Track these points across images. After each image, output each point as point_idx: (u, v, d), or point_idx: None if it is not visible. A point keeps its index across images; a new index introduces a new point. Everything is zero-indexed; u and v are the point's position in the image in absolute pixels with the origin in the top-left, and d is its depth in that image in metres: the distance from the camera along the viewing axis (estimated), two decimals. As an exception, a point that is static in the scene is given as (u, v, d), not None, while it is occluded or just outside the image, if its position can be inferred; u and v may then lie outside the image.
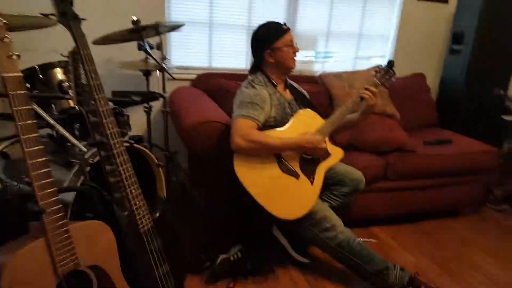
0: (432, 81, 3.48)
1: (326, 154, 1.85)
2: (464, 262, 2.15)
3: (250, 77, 1.88)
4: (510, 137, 3.28)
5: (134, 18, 1.98)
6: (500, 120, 3.26)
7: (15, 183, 1.48)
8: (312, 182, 1.77)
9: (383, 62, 1.99)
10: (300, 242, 2.00)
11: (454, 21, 3.20)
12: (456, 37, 3.19)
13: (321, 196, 1.98)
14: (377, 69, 1.97)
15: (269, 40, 1.82)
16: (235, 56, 2.89)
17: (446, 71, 3.32)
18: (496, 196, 2.89)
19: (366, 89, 1.87)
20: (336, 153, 1.89)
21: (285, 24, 1.85)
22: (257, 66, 1.91)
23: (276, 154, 1.73)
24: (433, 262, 2.12)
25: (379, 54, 3.35)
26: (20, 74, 1.03)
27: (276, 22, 1.87)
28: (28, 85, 1.70)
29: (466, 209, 2.76)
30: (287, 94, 1.95)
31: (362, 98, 1.87)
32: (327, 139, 1.87)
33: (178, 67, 2.77)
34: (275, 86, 1.87)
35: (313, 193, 1.75)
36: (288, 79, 2.00)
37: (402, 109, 2.85)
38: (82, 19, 1.27)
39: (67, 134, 1.46)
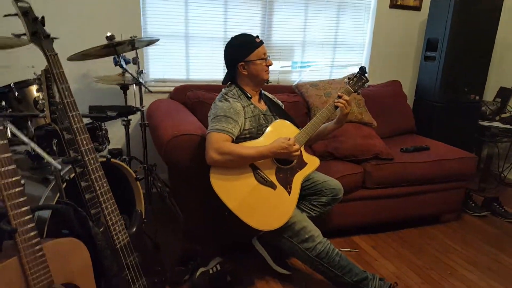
0: (408, 88, 3.57)
1: (302, 163, 1.88)
2: (444, 270, 2.16)
3: (224, 90, 1.91)
4: (488, 142, 3.36)
5: (109, 34, 2.00)
6: (477, 125, 3.35)
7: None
8: (289, 192, 1.79)
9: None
10: (280, 253, 2.02)
11: (427, 28, 3.29)
12: (430, 44, 3.27)
13: (299, 207, 2.01)
14: (350, 76, 2.02)
15: (243, 53, 1.84)
16: (212, 67, 2.94)
17: (422, 78, 3.40)
18: (476, 203, 2.91)
19: (340, 97, 1.91)
20: (313, 162, 1.92)
21: (257, 36, 1.88)
22: (231, 78, 1.93)
23: (252, 166, 1.75)
24: (413, 270, 2.13)
25: (355, 62, 3.43)
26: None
27: (249, 34, 1.89)
28: (3, 103, 1.71)
29: (447, 216, 2.77)
30: (262, 106, 1.98)
31: (336, 107, 1.92)
32: (302, 148, 1.90)
33: (156, 80, 2.80)
34: (249, 98, 1.90)
35: (290, 203, 1.78)
36: (262, 90, 2.03)
37: (378, 117, 2.90)
38: (54, 38, 1.28)
39: (41, 152, 1.45)
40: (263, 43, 1.88)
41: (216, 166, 1.69)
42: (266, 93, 2.10)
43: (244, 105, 1.86)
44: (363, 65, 3.41)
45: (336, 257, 1.76)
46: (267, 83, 1.97)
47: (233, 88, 1.90)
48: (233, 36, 1.90)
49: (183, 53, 2.84)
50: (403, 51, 3.53)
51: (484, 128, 3.35)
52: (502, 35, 3.49)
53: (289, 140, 1.75)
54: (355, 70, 3.36)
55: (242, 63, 1.85)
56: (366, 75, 2.01)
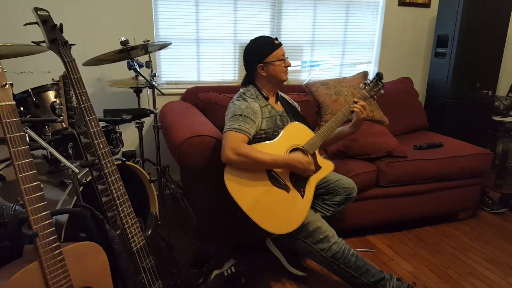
0: (419, 85, 3.53)
1: (317, 167, 1.87)
2: (463, 269, 2.13)
3: (242, 90, 1.92)
4: (502, 137, 3.31)
5: (123, 38, 2.02)
6: (491, 121, 3.30)
7: (11, 205, 1.50)
8: (302, 196, 1.78)
9: (369, 68, 2.02)
10: (295, 254, 2.01)
11: (437, 24, 3.25)
12: (440, 40, 3.24)
13: (313, 206, 2.00)
14: (366, 81, 2.01)
15: (262, 54, 1.86)
16: (223, 69, 2.95)
17: (433, 74, 3.36)
18: (493, 199, 2.86)
19: (356, 102, 1.90)
20: (327, 166, 1.90)
21: (276, 39, 1.89)
22: (249, 79, 1.94)
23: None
24: (431, 270, 2.11)
25: (364, 60, 3.41)
26: (13, 102, 1.05)
27: (268, 36, 1.91)
28: (22, 108, 1.74)
29: (463, 214, 2.73)
30: (279, 107, 1.98)
31: (352, 112, 1.91)
32: (317, 152, 1.89)
33: (168, 83, 2.82)
34: (266, 98, 1.91)
35: (303, 207, 1.76)
36: (279, 92, 2.04)
37: (390, 114, 2.88)
38: (72, 44, 1.30)
39: (59, 157, 1.48)
40: (281, 44, 1.89)
41: (230, 165, 1.69)
42: (283, 94, 2.10)
43: (262, 105, 1.86)
44: (372, 63, 3.40)
45: (352, 258, 1.75)
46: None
47: (251, 88, 1.91)
48: (252, 38, 1.92)
49: (194, 56, 2.86)
50: (413, 48, 3.49)
51: (498, 124, 3.30)
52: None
53: (307, 158, 1.76)
54: (365, 68, 3.37)
55: (261, 64, 1.86)
56: (382, 81, 1.99)
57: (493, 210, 2.84)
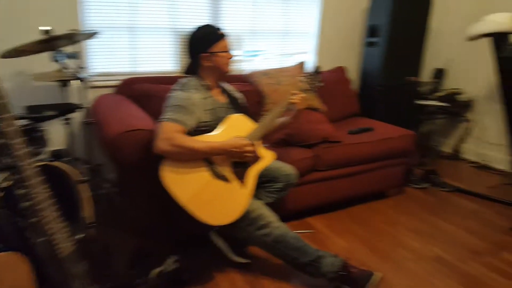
0: (354, 73, 3.68)
1: (257, 158, 1.88)
2: (391, 240, 2.32)
3: (184, 80, 1.85)
4: (425, 119, 3.56)
5: (44, 28, 1.87)
6: (415, 104, 3.53)
7: None
8: (243, 186, 1.79)
9: (307, 57, 2.06)
10: (239, 243, 2.03)
11: (369, 15, 3.40)
12: (372, 30, 3.39)
13: (255, 194, 2.02)
14: (305, 74, 2.04)
15: (206, 44, 1.81)
16: (161, 59, 2.85)
17: (365, 63, 3.53)
18: (417, 176, 3.12)
19: (295, 94, 1.94)
20: (268, 156, 1.93)
21: (221, 29, 1.85)
22: (192, 68, 1.89)
23: (206, 159, 1.74)
24: (363, 244, 2.27)
25: (303, 50, 3.47)
26: None
27: (213, 26, 1.86)
28: None
29: (392, 191, 2.97)
30: (222, 98, 1.95)
31: (291, 103, 1.94)
32: (259, 141, 1.91)
33: (100, 74, 2.66)
34: (209, 90, 1.87)
35: (244, 197, 1.78)
36: (223, 83, 2.00)
37: (326, 102, 2.99)
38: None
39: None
40: (226, 35, 1.86)
41: (164, 156, 1.65)
42: (227, 85, 2.07)
43: (204, 96, 1.82)
44: (312, 52, 3.48)
45: (291, 240, 1.81)
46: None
47: (194, 78, 1.85)
48: (197, 26, 1.86)
49: (129, 45, 2.72)
50: (349, 38, 3.60)
51: (421, 107, 3.54)
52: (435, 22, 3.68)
53: (244, 141, 1.75)
54: (304, 57, 3.43)
55: (205, 54, 1.81)
56: (319, 74, 2.04)
57: (417, 186, 3.10)
